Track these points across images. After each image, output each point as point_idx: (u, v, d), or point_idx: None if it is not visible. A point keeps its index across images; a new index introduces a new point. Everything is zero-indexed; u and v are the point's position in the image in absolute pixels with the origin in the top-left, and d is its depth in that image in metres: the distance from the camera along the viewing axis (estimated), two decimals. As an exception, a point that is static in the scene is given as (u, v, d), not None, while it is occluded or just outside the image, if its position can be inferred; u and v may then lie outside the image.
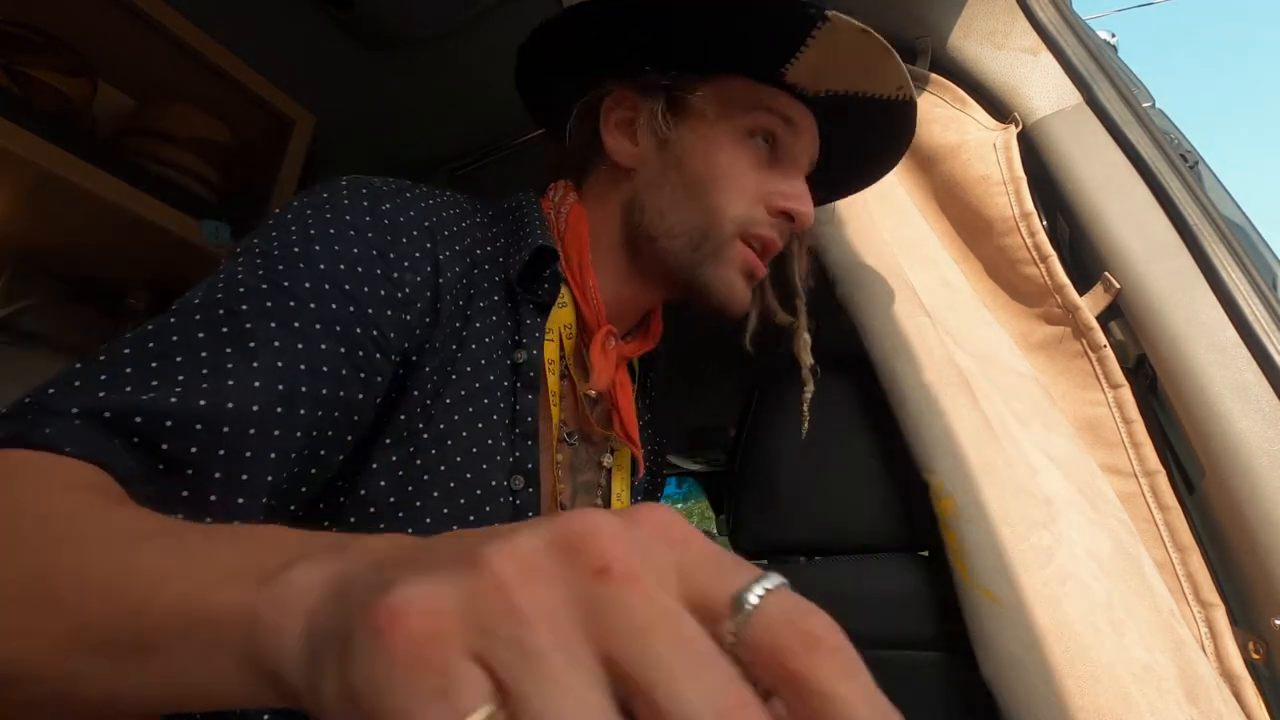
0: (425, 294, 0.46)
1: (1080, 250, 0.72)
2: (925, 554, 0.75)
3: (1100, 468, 0.66)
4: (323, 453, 0.41)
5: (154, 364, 0.36)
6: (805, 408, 0.69)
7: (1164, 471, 0.64)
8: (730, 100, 0.56)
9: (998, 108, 0.77)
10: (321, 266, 0.42)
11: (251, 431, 0.36)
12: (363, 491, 0.45)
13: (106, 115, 0.96)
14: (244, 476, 0.36)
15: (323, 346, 0.40)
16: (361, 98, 1.05)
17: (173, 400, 0.34)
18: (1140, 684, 0.53)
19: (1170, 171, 0.66)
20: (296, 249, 0.42)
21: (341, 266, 0.42)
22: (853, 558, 0.76)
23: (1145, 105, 0.71)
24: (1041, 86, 0.74)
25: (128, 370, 0.35)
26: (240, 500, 0.36)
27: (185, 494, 0.34)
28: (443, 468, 0.46)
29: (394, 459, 0.46)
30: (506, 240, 0.54)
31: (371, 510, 0.45)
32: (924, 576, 0.71)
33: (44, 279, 0.96)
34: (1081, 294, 0.69)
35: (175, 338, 0.37)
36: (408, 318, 0.45)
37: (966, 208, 0.77)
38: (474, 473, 0.47)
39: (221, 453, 0.35)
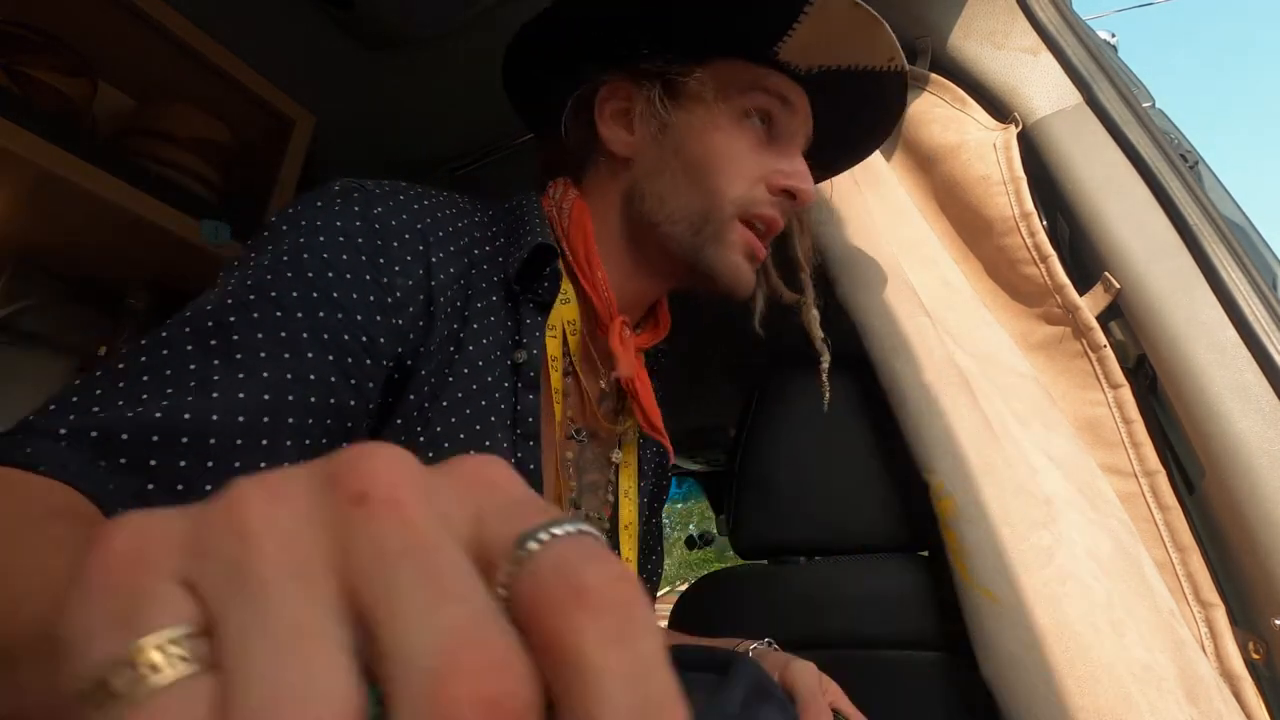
0: (418, 297, 0.46)
1: (1080, 250, 0.72)
2: (925, 554, 0.75)
3: (1100, 468, 0.66)
4: None
5: (144, 378, 0.36)
6: (824, 377, 0.69)
7: (1164, 471, 0.64)
8: (726, 82, 0.56)
9: (998, 108, 0.77)
10: (310, 275, 0.42)
11: (239, 443, 0.36)
12: None
13: (106, 115, 0.96)
14: None
15: (310, 355, 0.40)
16: (361, 98, 1.04)
17: (158, 415, 0.34)
18: (1140, 684, 0.53)
19: (1170, 171, 0.66)
20: (285, 258, 0.42)
21: (330, 274, 0.43)
22: (853, 558, 0.77)
23: (1145, 105, 0.71)
24: (1041, 86, 0.74)
25: (120, 385, 0.35)
26: None
27: None
28: None
29: None
30: (506, 240, 0.54)
31: None
32: (924, 576, 0.71)
33: (44, 279, 0.96)
34: (1081, 294, 0.69)
35: (165, 352, 0.37)
36: (400, 322, 0.45)
37: (966, 208, 0.77)
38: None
39: (210, 465, 0.35)
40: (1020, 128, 0.74)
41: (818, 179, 0.63)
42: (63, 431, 0.33)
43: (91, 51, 0.88)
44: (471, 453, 0.49)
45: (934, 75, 0.81)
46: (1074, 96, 0.72)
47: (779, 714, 0.41)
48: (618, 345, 0.54)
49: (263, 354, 0.39)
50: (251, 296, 0.40)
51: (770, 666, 0.53)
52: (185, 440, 0.34)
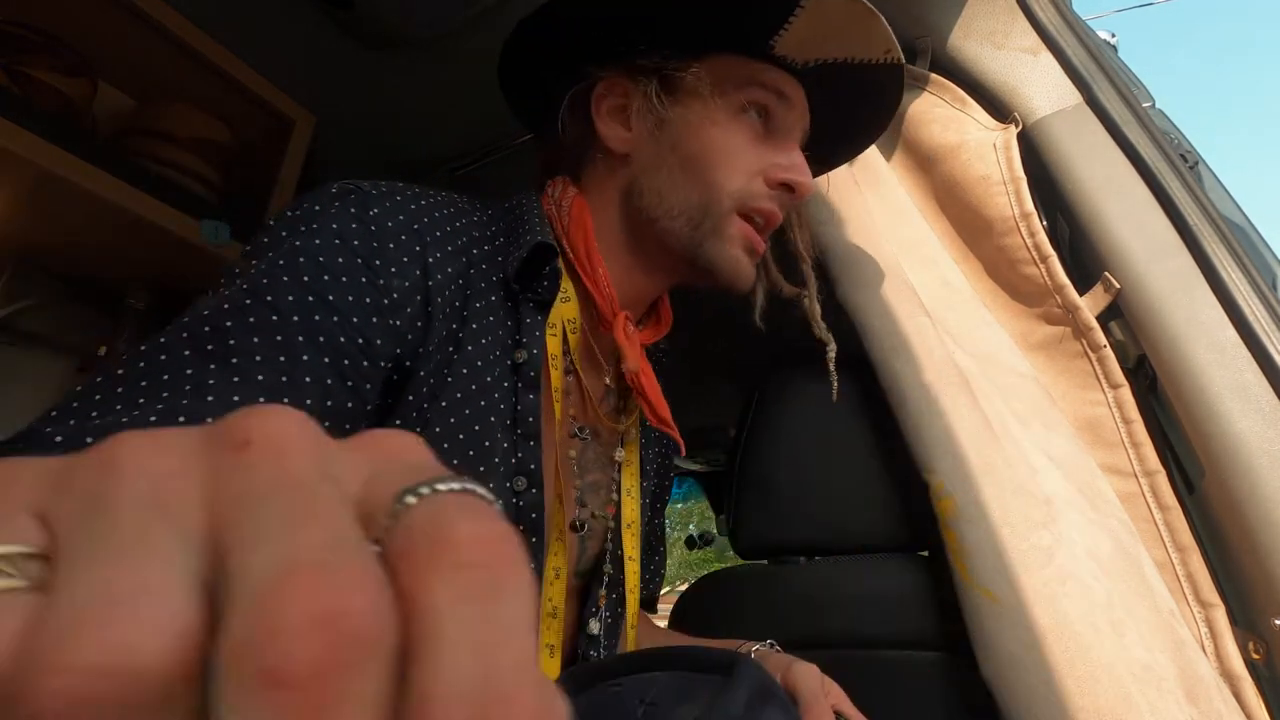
0: (415, 298, 0.46)
1: (1080, 250, 0.72)
2: (925, 554, 0.75)
3: (1100, 468, 0.66)
4: None
5: (142, 383, 0.36)
6: (832, 366, 0.69)
7: (1164, 471, 0.64)
8: (722, 77, 0.56)
9: (998, 108, 0.77)
10: (305, 278, 0.42)
11: None
12: None
13: (106, 115, 0.95)
14: None
15: (305, 358, 0.40)
16: (361, 98, 1.04)
17: (153, 419, 0.35)
18: (1140, 684, 0.53)
19: (1170, 171, 0.66)
20: (281, 262, 0.43)
21: (325, 277, 0.43)
22: (853, 558, 0.77)
23: (1145, 105, 0.71)
24: (1041, 86, 0.74)
25: (118, 391, 0.36)
26: None
27: None
28: None
29: None
30: (506, 239, 0.54)
31: None
32: (924, 576, 0.71)
33: (44, 279, 0.96)
34: (1081, 294, 0.69)
35: (163, 358, 0.38)
36: (397, 323, 0.45)
37: (966, 208, 0.77)
38: (472, 475, 0.47)
39: None
40: (1020, 128, 0.74)
41: (816, 172, 0.63)
42: (59, 439, 0.33)
43: (91, 51, 0.88)
44: (471, 453, 0.48)
45: (934, 75, 0.81)
46: (1074, 96, 0.72)
47: (782, 716, 0.41)
48: (623, 339, 0.54)
49: (258, 358, 0.39)
50: (247, 301, 0.41)
51: (772, 668, 0.53)
52: None
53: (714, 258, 0.56)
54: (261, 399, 0.38)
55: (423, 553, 0.11)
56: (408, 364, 0.46)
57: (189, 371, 0.37)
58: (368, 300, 0.44)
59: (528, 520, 0.49)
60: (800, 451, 0.79)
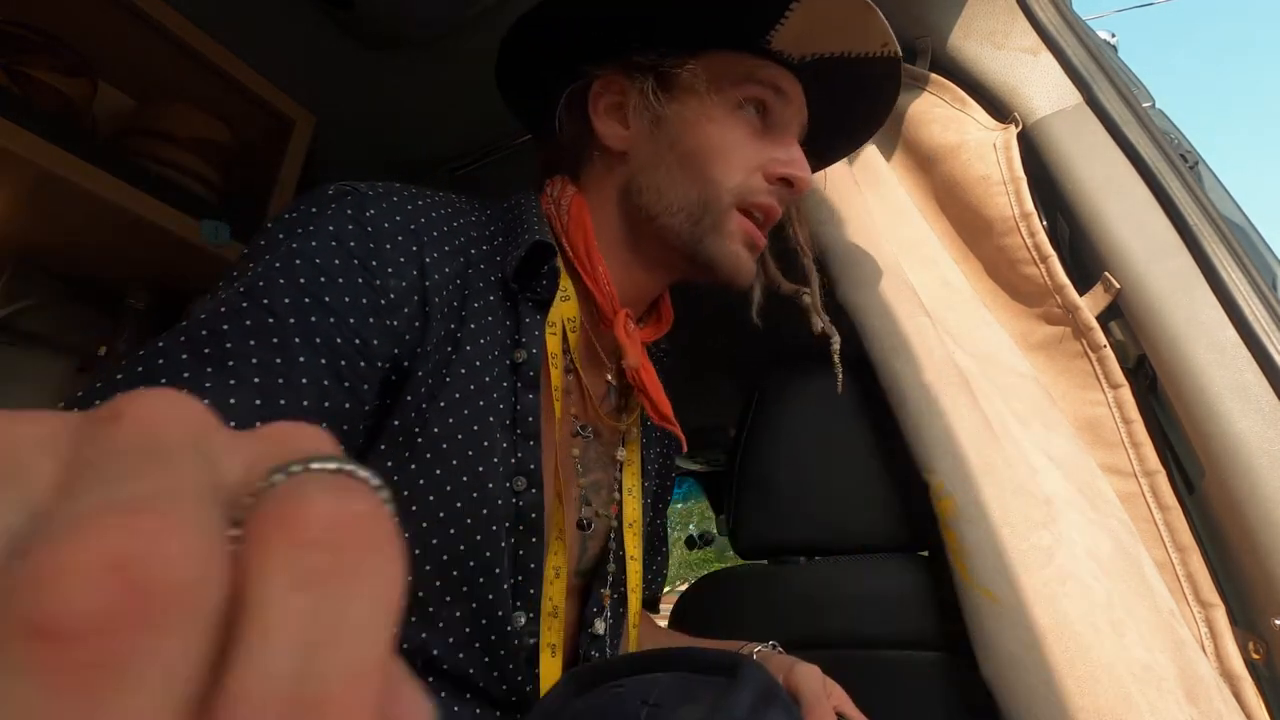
0: (412, 298, 0.47)
1: (1080, 250, 0.72)
2: (925, 554, 0.75)
3: (1100, 468, 0.66)
4: None
5: (139, 387, 0.36)
6: (837, 359, 0.69)
7: (1164, 471, 0.64)
8: (718, 73, 0.56)
9: (998, 108, 0.77)
10: (301, 280, 0.42)
11: None
12: None
13: (106, 115, 0.95)
14: None
15: (302, 359, 0.40)
16: (361, 98, 1.04)
17: None
18: (1140, 684, 0.53)
19: (1170, 171, 0.66)
20: (278, 264, 0.43)
21: (321, 278, 0.43)
22: (853, 558, 0.77)
23: (1145, 105, 0.71)
24: (1041, 86, 0.74)
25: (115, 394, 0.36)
26: None
27: None
28: (439, 471, 0.46)
29: (389, 465, 0.46)
30: (504, 239, 0.54)
31: None
32: (924, 576, 0.71)
33: (44, 279, 0.96)
34: (1081, 294, 0.69)
35: (161, 361, 0.38)
36: (394, 323, 0.45)
37: (966, 208, 0.77)
38: (471, 476, 0.47)
39: None
40: (1020, 128, 0.74)
41: (814, 167, 0.63)
42: None
43: (91, 51, 0.88)
44: (470, 453, 0.48)
45: (934, 75, 0.81)
46: (1074, 96, 0.72)
47: (785, 717, 0.41)
48: (624, 336, 0.54)
49: (254, 360, 0.39)
50: (244, 304, 0.41)
51: (774, 669, 0.53)
52: None
53: (714, 253, 0.56)
54: (258, 401, 0.38)
55: (267, 530, 0.10)
56: (406, 364, 0.46)
57: (185, 375, 0.37)
58: (364, 300, 0.44)
59: (527, 520, 0.49)
60: (800, 451, 0.79)
